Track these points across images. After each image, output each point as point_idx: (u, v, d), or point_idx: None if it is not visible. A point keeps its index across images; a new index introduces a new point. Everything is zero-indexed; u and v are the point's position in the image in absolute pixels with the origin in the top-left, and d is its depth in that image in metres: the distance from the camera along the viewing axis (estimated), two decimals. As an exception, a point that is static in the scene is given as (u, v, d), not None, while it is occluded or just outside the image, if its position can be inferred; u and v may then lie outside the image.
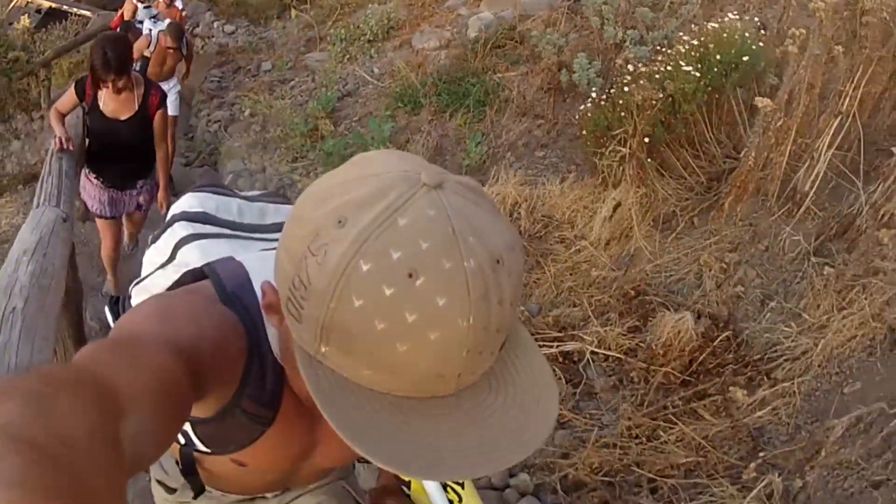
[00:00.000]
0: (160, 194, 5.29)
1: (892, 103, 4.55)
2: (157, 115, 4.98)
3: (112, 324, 1.42)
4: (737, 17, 5.19)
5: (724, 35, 4.70)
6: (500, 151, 7.10)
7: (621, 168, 5.00)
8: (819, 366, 3.78)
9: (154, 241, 1.49)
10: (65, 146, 4.60)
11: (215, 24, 12.95)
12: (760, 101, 4.19)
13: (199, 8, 13.37)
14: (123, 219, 5.54)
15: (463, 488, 1.54)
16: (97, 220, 5.44)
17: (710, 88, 4.68)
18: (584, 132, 5.72)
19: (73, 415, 0.61)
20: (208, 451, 1.18)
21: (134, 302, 1.46)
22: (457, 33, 9.35)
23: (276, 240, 0.91)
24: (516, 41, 8.45)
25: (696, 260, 4.61)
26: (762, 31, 5.39)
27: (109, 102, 4.86)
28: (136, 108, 4.89)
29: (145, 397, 0.75)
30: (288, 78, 10.53)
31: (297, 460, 1.27)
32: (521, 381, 0.86)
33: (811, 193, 4.40)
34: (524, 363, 0.89)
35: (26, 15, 13.11)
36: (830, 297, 3.94)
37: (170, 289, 1.22)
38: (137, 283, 1.49)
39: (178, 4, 9.10)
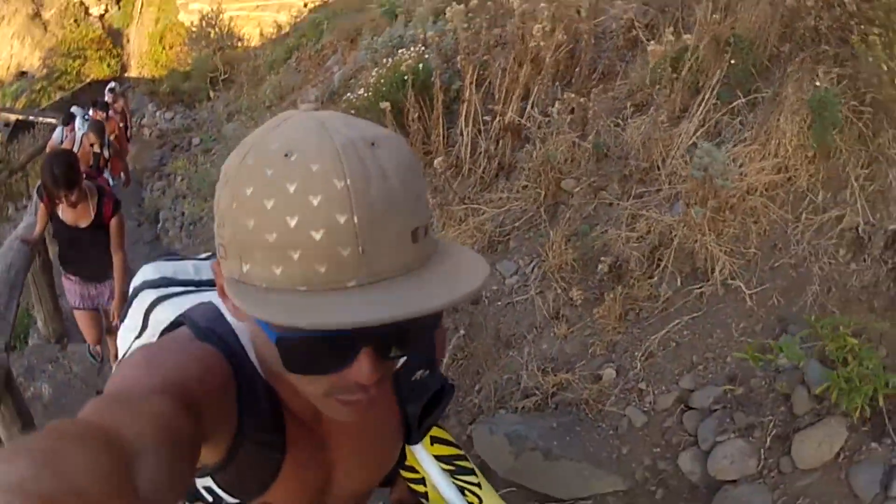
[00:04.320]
0: (114, 303, 5.29)
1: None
2: (113, 223, 5.09)
3: None
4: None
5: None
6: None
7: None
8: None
9: (123, 319, 1.54)
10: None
11: (157, 113, 16.32)
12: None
13: (143, 101, 16.75)
14: (103, 312, 5.65)
15: (480, 488, 1.57)
16: (77, 314, 5.61)
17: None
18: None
19: (85, 466, 0.64)
20: (236, 501, 1.19)
21: None
22: (328, 86, 12.25)
23: None
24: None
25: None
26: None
27: (67, 212, 5.04)
28: (93, 216, 5.05)
29: (152, 441, 0.76)
30: (210, 147, 13.56)
31: (321, 488, 1.25)
32: (446, 270, 0.89)
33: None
34: (452, 261, 0.91)
35: None
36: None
37: None
38: (119, 362, 1.47)
39: (107, 98, 11.03)
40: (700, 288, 3.69)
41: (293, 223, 0.82)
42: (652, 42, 4.67)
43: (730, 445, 3.17)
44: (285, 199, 0.82)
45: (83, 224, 5.04)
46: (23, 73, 33.85)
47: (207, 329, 1.11)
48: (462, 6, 6.30)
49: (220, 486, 1.16)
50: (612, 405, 3.59)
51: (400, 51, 7.34)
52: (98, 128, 8.36)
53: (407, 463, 1.57)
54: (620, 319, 3.86)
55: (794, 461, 3.04)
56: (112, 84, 11.49)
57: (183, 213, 11.22)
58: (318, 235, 0.82)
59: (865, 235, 3.44)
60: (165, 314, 1.36)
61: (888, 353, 3.11)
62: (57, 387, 5.80)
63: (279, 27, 19.90)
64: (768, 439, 3.13)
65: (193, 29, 20.74)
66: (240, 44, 19.93)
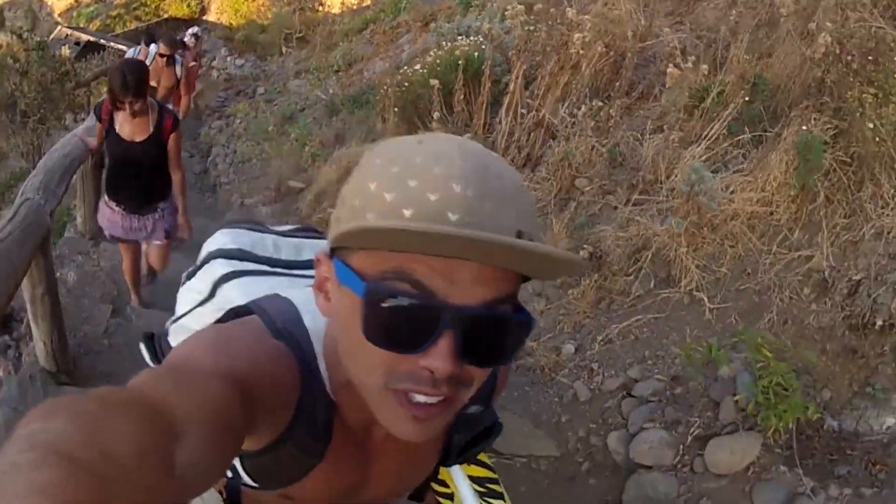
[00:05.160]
0: (180, 219, 5.45)
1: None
2: (171, 138, 5.16)
3: (148, 359, 1.51)
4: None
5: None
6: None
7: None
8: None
9: (189, 278, 1.54)
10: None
11: (228, 59, 16.93)
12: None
13: (217, 44, 17.39)
14: (144, 246, 5.71)
15: (504, 501, 1.58)
16: (118, 241, 5.67)
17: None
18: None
19: (123, 434, 0.64)
20: (256, 485, 1.19)
21: (172, 339, 1.54)
22: (395, 61, 12.74)
23: (314, 276, 1.01)
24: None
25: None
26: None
27: (125, 125, 5.06)
28: (151, 130, 5.08)
29: (200, 424, 0.77)
30: (273, 98, 14.13)
31: (345, 494, 1.24)
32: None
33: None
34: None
35: (66, 46, 16.81)
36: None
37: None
38: (175, 321, 1.56)
39: (186, 39, 11.05)
40: (668, 293, 4.08)
41: (412, 184, 0.85)
42: (671, 66, 5.03)
43: (653, 433, 3.50)
44: (409, 166, 0.86)
45: (139, 138, 5.06)
46: None
47: (284, 329, 1.10)
48: (522, 7, 6.72)
49: (244, 469, 1.16)
50: (564, 376, 4.00)
51: (460, 38, 7.80)
52: (170, 39, 8.70)
53: (439, 477, 1.56)
54: (592, 305, 4.27)
55: (706, 463, 3.32)
56: (196, 29, 11.85)
57: (235, 152, 11.82)
58: (433, 197, 0.84)
59: (830, 280, 3.76)
60: (236, 293, 1.38)
61: (821, 387, 3.46)
62: (83, 276, 6.15)
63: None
64: (689, 437, 3.44)
65: (278, -15, 21.43)
66: (320, 8, 20.49)
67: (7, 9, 36.49)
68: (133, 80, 4.75)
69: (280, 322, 1.10)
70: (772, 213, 4.05)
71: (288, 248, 1.53)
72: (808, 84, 4.37)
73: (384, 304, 0.86)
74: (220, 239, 1.53)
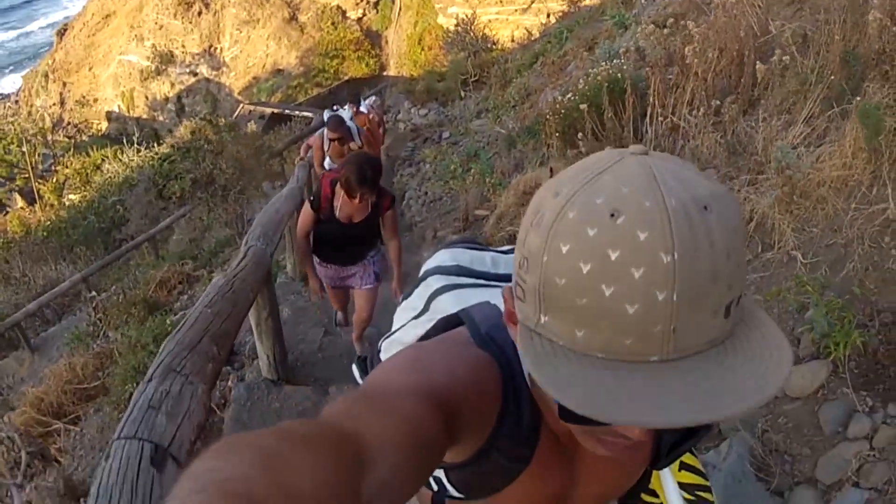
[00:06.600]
0: (394, 285, 5.65)
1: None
2: (388, 216, 5.39)
3: (359, 379, 1.60)
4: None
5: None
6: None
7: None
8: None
9: (405, 298, 1.61)
10: (319, 296, 5.80)
11: (411, 110, 18.64)
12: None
13: (400, 98, 19.22)
14: (354, 296, 6.03)
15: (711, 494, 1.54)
16: (327, 288, 6.00)
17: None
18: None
19: (305, 469, 0.64)
20: (461, 496, 1.20)
21: (384, 355, 1.58)
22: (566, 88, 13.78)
23: None
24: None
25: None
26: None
27: (345, 208, 5.24)
28: (369, 211, 5.30)
29: (394, 448, 0.78)
30: (457, 140, 15.53)
31: (552, 500, 1.24)
32: (748, 353, 0.85)
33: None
34: (756, 335, 0.88)
35: (252, 122, 18.85)
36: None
37: (423, 338, 1.29)
38: (388, 337, 1.61)
39: (363, 109, 11.15)
40: (770, 255, 4.87)
41: (608, 292, 0.81)
42: (758, 63, 5.85)
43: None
44: (604, 266, 0.81)
45: (357, 219, 5.32)
46: (279, 71, 37.22)
47: (487, 335, 1.11)
48: (653, 27, 7.67)
49: (450, 481, 1.17)
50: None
51: (604, 63, 8.82)
52: (335, 123, 8.61)
53: (650, 486, 1.52)
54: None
55: (784, 388, 3.64)
56: (371, 100, 12.59)
57: (426, 193, 13.20)
58: (631, 309, 0.80)
59: None
60: (448, 303, 1.42)
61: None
62: (296, 311, 7.28)
63: (529, 34, 21.85)
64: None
65: (450, 34, 23.13)
66: (494, 48, 21.96)
67: (185, 95, 40.37)
68: (371, 174, 4.99)
69: (485, 328, 1.14)
70: (852, 176, 4.81)
71: (507, 264, 1.54)
72: (872, 55, 5.13)
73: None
74: (440, 257, 1.60)
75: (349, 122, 8.91)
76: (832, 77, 5.33)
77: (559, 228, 0.85)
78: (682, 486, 1.52)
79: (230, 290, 3.76)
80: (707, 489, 1.56)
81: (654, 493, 1.51)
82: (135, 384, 6.28)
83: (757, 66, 5.84)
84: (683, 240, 0.80)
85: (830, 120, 5.28)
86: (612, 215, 0.82)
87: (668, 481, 1.48)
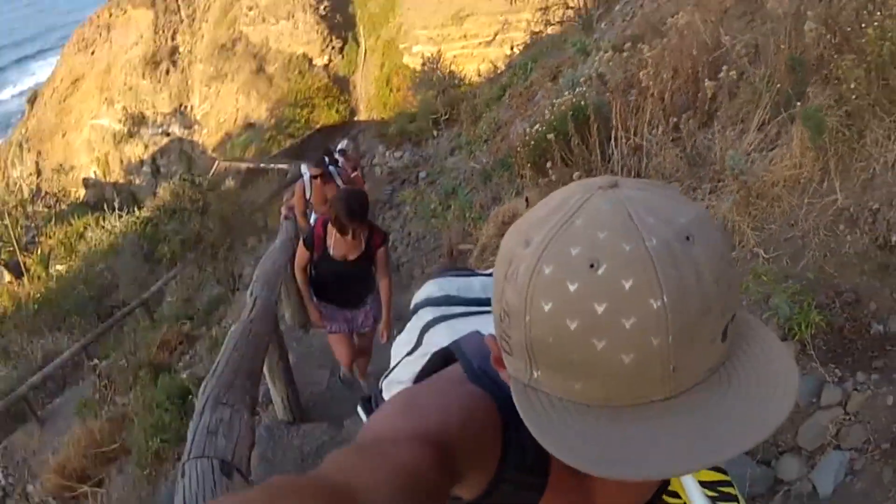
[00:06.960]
0: (382, 325, 5.78)
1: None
2: (380, 252, 5.50)
3: (364, 419, 1.50)
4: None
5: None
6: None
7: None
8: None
9: (399, 333, 1.59)
10: (321, 324, 5.96)
11: (386, 153, 19.07)
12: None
13: (373, 143, 19.71)
14: (356, 341, 6.16)
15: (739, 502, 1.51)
16: (330, 337, 6.10)
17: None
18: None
19: None
20: None
21: (385, 394, 1.56)
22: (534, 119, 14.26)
23: None
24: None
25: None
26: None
27: (339, 247, 5.37)
28: (362, 248, 5.41)
29: (386, 495, 0.77)
30: (434, 179, 15.87)
31: None
32: (751, 374, 0.84)
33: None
34: (756, 352, 0.86)
35: (229, 178, 19.27)
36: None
37: (417, 377, 1.28)
38: (387, 376, 1.59)
39: (338, 157, 11.14)
40: (734, 254, 5.27)
41: (600, 346, 0.79)
42: (706, 80, 6.35)
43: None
44: (592, 321, 0.79)
45: (352, 256, 5.44)
46: (250, 125, 37.17)
47: (480, 370, 1.09)
48: (609, 53, 8.15)
49: None
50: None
51: (567, 92, 9.30)
52: (315, 160, 8.48)
53: (670, 488, 1.49)
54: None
55: None
56: (343, 144, 12.93)
57: (409, 234, 13.61)
58: (627, 359, 0.78)
59: (854, 214, 4.74)
60: (440, 336, 1.40)
61: (867, 300, 4.40)
62: (300, 356, 7.55)
63: (495, 66, 22.40)
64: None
65: (417, 73, 23.64)
66: (462, 83, 22.42)
67: (159, 156, 40.59)
68: (358, 208, 5.13)
69: (477, 362, 1.11)
70: (803, 174, 5.24)
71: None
72: (812, 62, 5.63)
73: None
74: (428, 289, 1.59)
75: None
76: (779, 85, 5.80)
77: (537, 285, 0.83)
78: (702, 483, 1.43)
79: (249, 334, 4.16)
80: (729, 483, 1.52)
81: (675, 495, 1.46)
82: (157, 440, 6.72)
83: (706, 84, 6.28)
84: (670, 281, 0.78)
85: (781, 125, 5.75)
86: (592, 266, 0.79)
87: (689, 480, 1.39)
